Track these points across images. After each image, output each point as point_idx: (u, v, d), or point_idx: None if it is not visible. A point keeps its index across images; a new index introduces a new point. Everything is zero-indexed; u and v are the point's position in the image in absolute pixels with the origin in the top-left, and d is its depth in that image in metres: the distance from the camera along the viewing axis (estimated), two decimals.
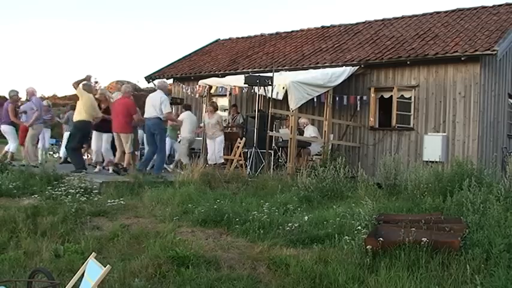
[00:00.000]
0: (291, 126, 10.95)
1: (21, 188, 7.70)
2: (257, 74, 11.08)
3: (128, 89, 9.97)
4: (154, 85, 16.34)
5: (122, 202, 7.03)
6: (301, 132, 11.82)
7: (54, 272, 4.48)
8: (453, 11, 13.99)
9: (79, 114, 9.66)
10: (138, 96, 10.45)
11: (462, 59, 10.74)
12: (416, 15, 14.52)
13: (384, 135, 11.95)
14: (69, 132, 11.15)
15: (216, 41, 18.62)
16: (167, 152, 11.45)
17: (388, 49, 12.27)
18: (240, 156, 10.93)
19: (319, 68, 12.45)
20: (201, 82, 13.59)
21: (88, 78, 10.09)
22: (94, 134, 10.27)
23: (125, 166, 9.61)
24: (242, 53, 15.79)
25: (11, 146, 11.03)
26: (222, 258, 5.02)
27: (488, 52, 10.38)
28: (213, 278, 4.54)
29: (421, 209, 6.47)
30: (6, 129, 10.89)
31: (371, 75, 12.26)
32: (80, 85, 9.66)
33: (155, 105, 9.64)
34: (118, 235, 5.70)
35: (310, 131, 11.83)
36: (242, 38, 18.00)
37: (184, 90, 14.71)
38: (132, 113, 9.68)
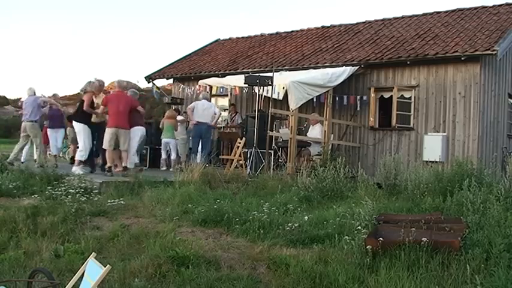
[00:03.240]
0: (291, 126, 10.95)
1: (21, 188, 7.71)
2: (257, 74, 11.07)
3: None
4: (154, 85, 16.40)
5: (122, 202, 7.03)
6: (300, 131, 11.78)
7: (54, 272, 4.48)
8: (453, 11, 13.99)
9: None
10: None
11: (462, 59, 10.74)
12: (416, 15, 14.53)
13: (384, 135, 11.95)
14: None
15: (216, 41, 18.62)
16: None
17: (388, 49, 12.27)
18: (240, 156, 10.94)
19: (319, 68, 12.44)
20: (201, 82, 13.60)
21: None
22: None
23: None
24: (242, 53, 15.79)
25: None
26: (222, 258, 5.02)
27: (488, 52, 10.38)
28: (213, 278, 4.53)
29: (421, 209, 6.47)
30: None
31: (371, 75, 12.26)
32: None
33: (211, 112, 11.11)
34: (118, 235, 5.70)
35: (318, 130, 11.76)
36: (242, 38, 18.00)
37: (187, 90, 14.72)
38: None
